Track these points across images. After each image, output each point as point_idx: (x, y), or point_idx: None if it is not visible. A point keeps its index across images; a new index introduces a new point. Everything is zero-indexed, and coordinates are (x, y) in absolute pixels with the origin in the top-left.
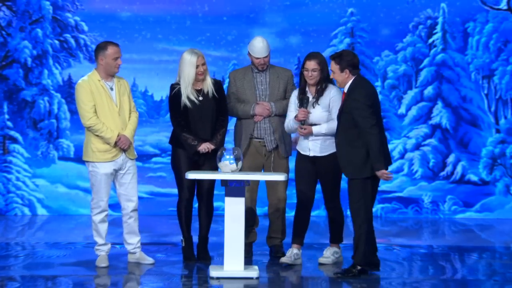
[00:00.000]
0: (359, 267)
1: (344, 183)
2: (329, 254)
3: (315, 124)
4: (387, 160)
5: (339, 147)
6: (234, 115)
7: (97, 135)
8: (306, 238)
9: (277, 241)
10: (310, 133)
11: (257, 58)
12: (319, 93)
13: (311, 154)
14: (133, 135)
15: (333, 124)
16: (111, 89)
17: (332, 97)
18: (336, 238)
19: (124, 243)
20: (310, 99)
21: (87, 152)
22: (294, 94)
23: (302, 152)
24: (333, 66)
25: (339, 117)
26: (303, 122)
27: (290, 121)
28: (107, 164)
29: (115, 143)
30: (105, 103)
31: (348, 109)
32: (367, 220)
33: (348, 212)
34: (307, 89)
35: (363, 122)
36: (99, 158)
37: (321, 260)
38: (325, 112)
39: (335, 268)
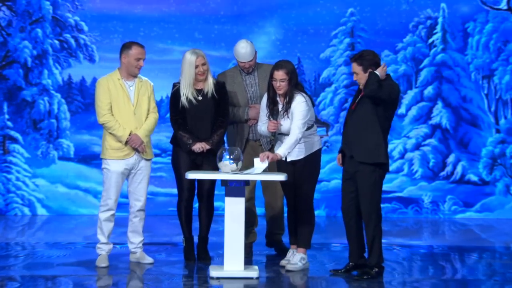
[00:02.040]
0: (376, 269)
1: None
2: (296, 260)
3: (287, 134)
4: (386, 163)
5: (353, 131)
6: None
7: (110, 133)
8: None
9: (277, 237)
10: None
11: (242, 62)
12: (288, 105)
13: (289, 159)
14: (147, 135)
15: (291, 139)
16: (130, 88)
17: (295, 106)
18: (306, 242)
19: (127, 241)
20: (280, 109)
21: (102, 149)
22: (265, 99)
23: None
24: (356, 68)
25: (359, 102)
26: (274, 133)
27: (262, 127)
28: (118, 162)
29: (126, 141)
30: (121, 101)
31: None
32: (380, 219)
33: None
34: (277, 98)
35: (389, 89)
36: (111, 156)
37: (289, 267)
38: None
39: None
